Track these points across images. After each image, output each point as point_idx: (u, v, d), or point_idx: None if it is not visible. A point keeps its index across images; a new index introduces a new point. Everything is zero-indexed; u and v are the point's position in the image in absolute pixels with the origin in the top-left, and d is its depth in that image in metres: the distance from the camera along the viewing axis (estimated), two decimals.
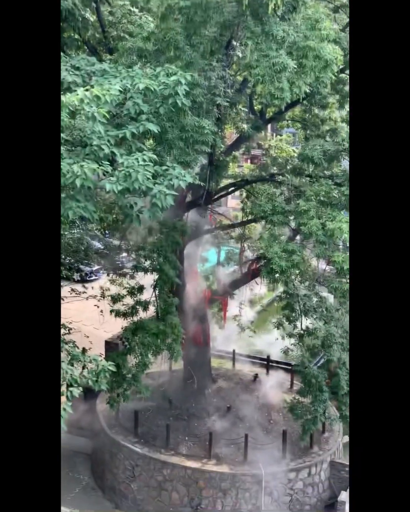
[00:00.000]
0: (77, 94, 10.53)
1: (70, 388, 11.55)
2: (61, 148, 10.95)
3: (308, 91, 13.41)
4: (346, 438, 18.83)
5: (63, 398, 11.15)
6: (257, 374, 22.72)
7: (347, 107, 19.74)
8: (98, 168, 10.22)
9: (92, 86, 11.05)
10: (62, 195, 11.14)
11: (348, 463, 18.59)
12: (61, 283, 26.20)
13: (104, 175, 10.73)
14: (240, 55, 16.04)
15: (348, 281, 14.69)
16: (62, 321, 17.01)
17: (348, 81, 19.20)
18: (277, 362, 22.96)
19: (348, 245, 13.88)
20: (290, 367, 21.24)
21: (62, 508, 15.79)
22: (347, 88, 19.43)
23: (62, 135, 11.18)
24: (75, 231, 18.22)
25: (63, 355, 12.60)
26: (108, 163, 10.65)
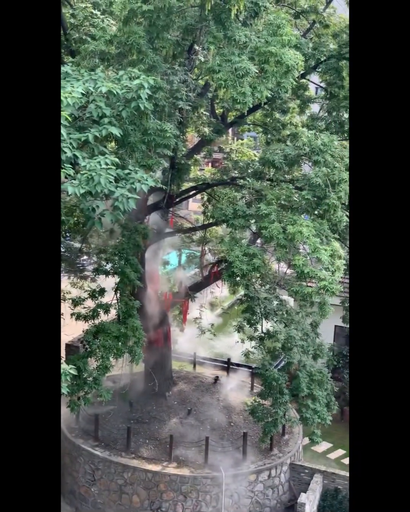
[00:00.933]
0: None
1: None
2: None
3: (269, 96, 13.33)
4: (306, 440, 19.00)
5: None
6: (217, 377, 22.73)
7: (307, 112, 20.24)
8: (60, 171, 10.29)
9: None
10: None
11: (307, 465, 19.68)
12: None
13: (66, 178, 10.77)
14: (202, 59, 16.26)
15: (307, 284, 14.82)
16: None
17: (308, 86, 20.42)
18: (238, 364, 23.07)
19: (307, 249, 14.23)
20: (250, 370, 21.24)
21: None
22: (307, 93, 19.95)
23: None
24: None
25: None
26: (70, 166, 10.75)
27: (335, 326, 23.34)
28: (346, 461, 21.48)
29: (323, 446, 21.02)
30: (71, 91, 11.31)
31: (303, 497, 17.53)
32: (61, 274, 26.29)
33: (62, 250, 20.04)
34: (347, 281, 18.63)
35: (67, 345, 23.08)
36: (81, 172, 10.87)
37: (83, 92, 11.68)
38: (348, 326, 20.58)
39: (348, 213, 15.11)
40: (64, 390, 11.68)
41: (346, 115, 18.28)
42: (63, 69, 12.85)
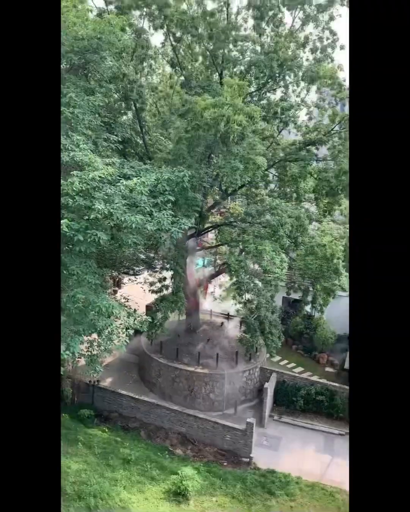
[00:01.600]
0: (134, 182, 12.09)
1: (127, 330, 12.94)
2: (124, 207, 11.67)
3: (248, 180, 15.49)
4: (267, 356, 21.24)
5: (123, 335, 12.68)
6: (222, 322, 24.89)
7: (268, 188, 21.68)
8: (144, 218, 11.64)
9: (140, 177, 12.55)
10: (125, 232, 12.26)
11: (268, 368, 21.44)
12: (123, 276, 26.77)
13: (146, 221, 11.82)
14: (215, 161, 17.34)
15: (269, 275, 16.51)
16: (124, 296, 19.39)
17: (268, 175, 21.10)
18: (233, 316, 25.02)
19: (268, 257, 15.20)
20: (240, 319, 23.18)
21: None
22: (268, 178, 21.31)
23: (124, 201, 11.88)
24: (131, 250, 18.52)
25: (123, 312, 12.97)
26: (149, 216, 12.04)
27: (283, 297, 25.23)
28: (288, 366, 23.62)
29: (276, 358, 24.00)
30: (149, 178, 12.42)
31: (266, 385, 19.99)
32: (143, 269, 26.18)
33: (144, 257, 20.82)
34: (288, 273, 20.28)
35: (146, 306, 24.89)
36: (154, 219, 12.03)
37: (155, 178, 13.04)
38: (289, 296, 22.13)
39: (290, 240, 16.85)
40: (145, 328, 13.80)
41: (289, 189, 19.93)
42: (145, 167, 14.53)
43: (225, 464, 17.49)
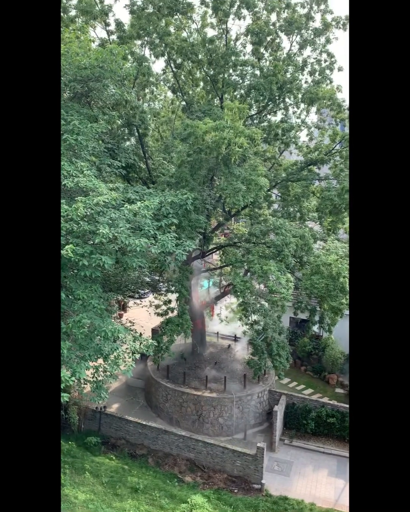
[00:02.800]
0: (138, 205, 12.15)
1: (133, 355, 12.76)
2: (129, 231, 11.69)
3: (251, 201, 15.17)
4: (276, 377, 20.89)
5: (129, 360, 12.45)
6: (230, 345, 24.98)
7: (271, 208, 21.84)
8: (148, 241, 11.77)
9: (144, 201, 12.65)
10: (130, 255, 12.22)
11: (277, 390, 21.24)
12: (128, 299, 26.29)
13: (151, 244, 12.03)
14: (218, 183, 17.39)
15: (275, 295, 16.16)
16: (130, 319, 19.71)
17: (271, 195, 21.42)
18: (240, 338, 24.97)
19: (273, 277, 15.19)
20: (247, 340, 23.08)
21: None
22: (271, 198, 21.47)
23: (128, 225, 11.87)
24: (136, 273, 19.10)
25: (129, 337, 13.23)
26: (153, 239, 12.25)
27: (290, 317, 25.12)
28: (297, 388, 23.42)
29: (285, 380, 23.62)
30: (153, 202, 12.58)
31: (276, 407, 19.70)
32: (149, 292, 26.41)
33: (149, 280, 21.05)
34: (295, 293, 19.88)
35: (152, 330, 24.98)
36: (158, 241, 12.16)
37: (159, 202, 13.30)
38: (297, 316, 21.88)
39: (294, 259, 16.76)
40: (151, 352, 13.57)
41: (292, 208, 19.94)
42: (149, 191, 14.78)
43: (236, 491, 17.07)
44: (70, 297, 11.96)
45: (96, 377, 12.94)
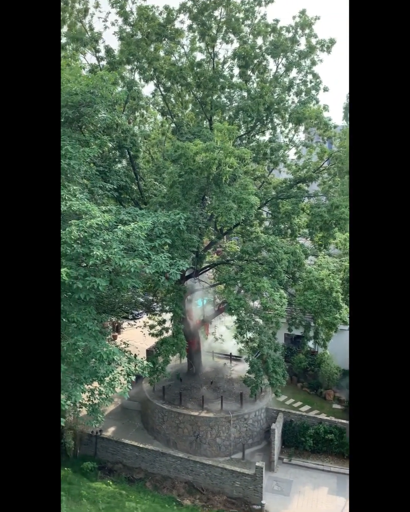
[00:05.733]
0: (131, 226, 12.18)
1: (129, 376, 12.57)
2: (122, 252, 11.63)
3: (243, 219, 15.20)
4: (273, 395, 20.70)
5: (124, 382, 12.27)
6: (225, 363, 24.89)
7: (262, 226, 22.03)
8: (142, 261, 11.74)
9: (137, 222, 12.62)
10: (124, 276, 12.24)
11: (274, 408, 21.20)
12: (122, 320, 26.16)
13: (145, 265, 12.00)
14: (209, 202, 17.81)
15: (269, 311, 15.90)
16: (124, 341, 19.29)
17: (262, 213, 21.65)
18: (236, 356, 24.79)
19: (267, 294, 15.27)
20: (242, 358, 22.74)
21: None
22: (262, 216, 21.80)
23: (121, 246, 11.83)
24: (130, 293, 19.18)
25: (124, 358, 13.05)
26: (147, 259, 12.21)
27: (285, 333, 24.93)
28: (294, 405, 23.21)
29: (282, 398, 23.28)
30: (146, 222, 12.53)
31: (273, 426, 19.56)
32: (142, 312, 26.17)
33: (143, 300, 21.03)
34: (289, 309, 19.94)
35: (147, 351, 24.75)
36: (152, 262, 12.22)
37: (152, 222, 13.19)
38: (291, 332, 21.78)
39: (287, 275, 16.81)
40: (146, 374, 13.49)
41: (283, 225, 20.11)
42: (141, 212, 14.56)
43: None
44: (64, 320, 11.76)
45: (92, 400, 12.80)
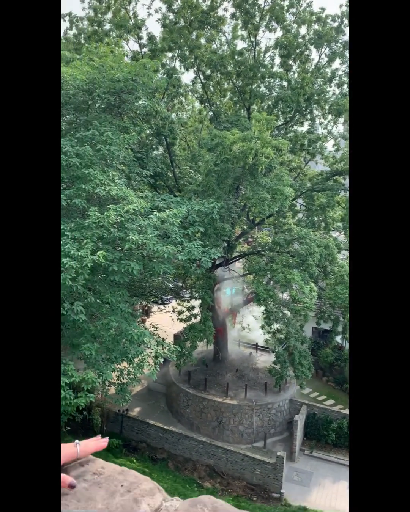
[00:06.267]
0: (166, 213, 12.46)
1: (157, 359, 12.79)
2: (156, 238, 11.94)
3: (276, 210, 15.51)
4: (297, 387, 20.76)
5: (152, 364, 12.55)
6: (251, 352, 24.94)
7: (295, 217, 21.84)
8: (175, 248, 11.99)
9: (172, 209, 12.85)
10: (157, 261, 12.55)
11: (298, 400, 21.22)
12: (151, 304, 26.67)
13: (177, 251, 12.20)
14: (243, 192, 18.12)
15: (298, 304, 16.15)
16: (153, 324, 19.54)
17: (296, 205, 21.57)
18: (262, 346, 24.94)
19: (297, 286, 15.23)
20: (268, 349, 23.32)
21: None
22: (296, 208, 21.67)
23: (156, 232, 12.17)
24: (160, 279, 19.26)
25: (153, 341, 13.47)
26: (180, 246, 12.47)
27: (312, 327, 24.90)
28: (319, 398, 23.17)
29: (306, 390, 23.04)
30: (180, 210, 12.77)
31: (296, 417, 19.76)
32: (171, 298, 26.42)
33: (173, 286, 21.37)
34: (318, 303, 19.88)
35: (175, 335, 24.90)
36: (185, 249, 12.43)
37: (186, 210, 13.37)
38: (319, 326, 21.73)
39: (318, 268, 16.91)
40: (173, 357, 14.01)
41: (317, 218, 20.00)
42: (176, 199, 14.96)
43: (255, 499, 17.13)
44: (98, 301, 12.19)
45: (120, 380, 13.15)
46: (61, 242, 11.05)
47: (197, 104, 24.37)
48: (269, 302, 16.78)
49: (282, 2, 19.73)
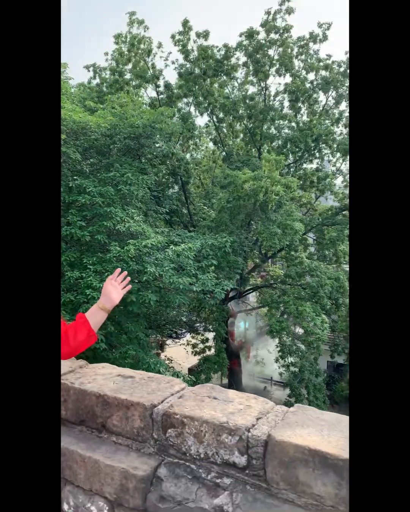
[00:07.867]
0: (181, 247, 13.19)
1: None
2: (172, 271, 12.33)
3: (287, 244, 16.13)
4: None
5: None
6: (265, 386, 25.02)
7: (307, 251, 22.41)
8: (190, 280, 12.02)
9: (187, 243, 13.69)
10: (173, 293, 13.01)
11: None
12: (167, 338, 26.25)
13: (191, 284, 12.34)
14: (255, 227, 18.15)
15: (312, 336, 16.19)
16: (168, 357, 19.61)
17: (307, 239, 22.16)
18: (276, 381, 24.61)
19: (309, 318, 15.52)
20: (282, 383, 22.81)
21: None
22: (307, 242, 22.34)
23: (172, 265, 12.62)
24: (175, 312, 19.41)
25: (168, 373, 13.38)
26: (194, 278, 12.56)
27: (327, 361, 24.89)
28: None
29: None
30: (194, 244, 13.51)
31: None
32: (186, 332, 26.16)
33: (186, 320, 21.55)
34: (332, 336, 20.07)
35: (189, 369, 24.54)
36: (199, 280, 12.45)
37: (200, 244, 14.05)
38: (334, 359, 21.74)
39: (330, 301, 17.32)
40: None
41: (327, 251, 20.63)
42: (190, 234, 15.52)
43: None
44: (116, 331, 12.66)
45: None
46: (84, 274, 11.80)
47: (211, 145, 25.67)
48: (282, 334, 17.06)
49: (291, 52, 21.38)
